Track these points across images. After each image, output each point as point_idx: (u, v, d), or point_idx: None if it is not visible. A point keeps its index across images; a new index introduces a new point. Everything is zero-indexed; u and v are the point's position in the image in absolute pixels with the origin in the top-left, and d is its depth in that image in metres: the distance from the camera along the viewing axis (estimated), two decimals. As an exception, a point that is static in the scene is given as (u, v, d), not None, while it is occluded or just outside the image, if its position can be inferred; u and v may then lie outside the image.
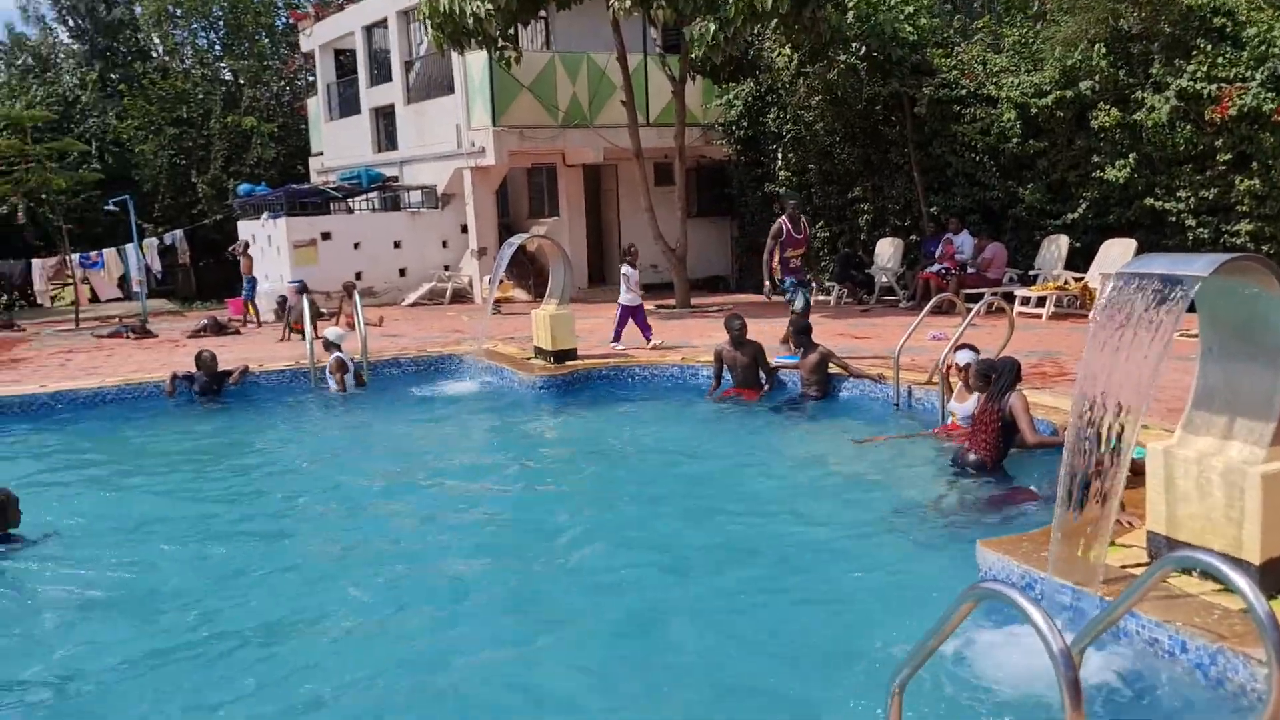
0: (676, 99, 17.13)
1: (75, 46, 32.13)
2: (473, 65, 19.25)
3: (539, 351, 12.19)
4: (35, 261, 23.93)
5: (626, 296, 13.03)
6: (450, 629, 5.45)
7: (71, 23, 32.32)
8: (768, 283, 11.99)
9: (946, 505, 6.89)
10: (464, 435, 10.34)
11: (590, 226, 21.69)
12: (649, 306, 17.78)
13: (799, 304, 11.36)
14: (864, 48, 16.28)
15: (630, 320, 12.99)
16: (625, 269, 13.15)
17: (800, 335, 10.18)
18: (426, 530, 7.13)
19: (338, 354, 11.81)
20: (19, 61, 31.45)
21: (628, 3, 14.65)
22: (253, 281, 19.25)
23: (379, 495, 8.05)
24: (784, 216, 11.53)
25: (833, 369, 10.11)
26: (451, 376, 12.71)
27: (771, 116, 18.88)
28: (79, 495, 8.33)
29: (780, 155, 18.85)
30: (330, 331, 12.14)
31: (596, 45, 19.18)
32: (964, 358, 8.27)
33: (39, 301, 25.49)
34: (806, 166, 18.49)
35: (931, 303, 10.57)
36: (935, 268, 15.29)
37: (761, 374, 10.48)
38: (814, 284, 11.25)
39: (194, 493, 8.41)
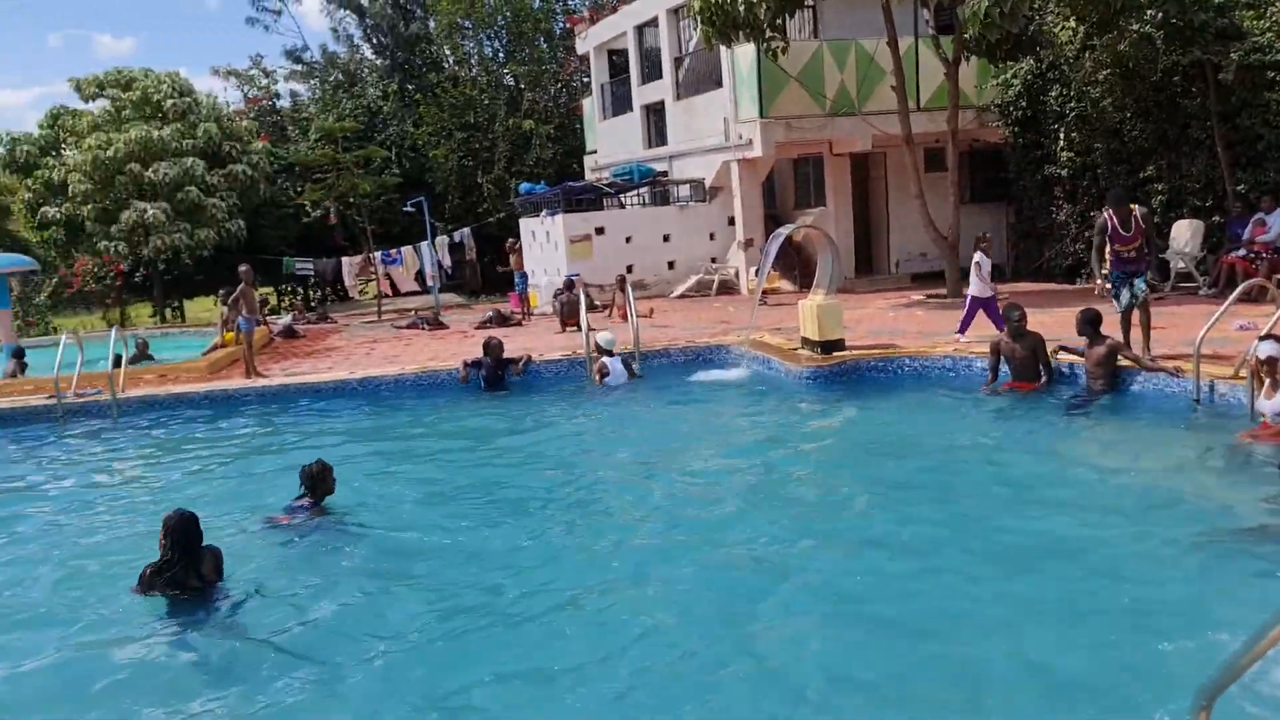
0: (950, 81, 16.54)
1: (378, 61, 35.10)
2: (740, 58, 19.41)
3: (806, 342, 12.16)
4: (344, 259, 26.40)
5: (976, 287, 12.26)
6: (746, 608, 5.57)
7: (375, 40, 35.34)
8: (1098, 280, 10.87)
9: (1263, 511, 6.30)
10: (730, 424, 10.48)
11: (857, 216, 21.35)
12: (918, 296, 17.38)
13: (1123, 301, 10.15)
14: (1160, 14, 15.06)
15: (981, 312, 12.21)
16: (978, 256, 12.28)
17: (1088, 326, 9.59)
18: (692, 516, 7.30)
19: (604, 359, 12.27)
20: (330, 78, 34.74)
21: (899, -15, 14.29)
22: (523, 276, 20.36)
23: (645, 480, 8.33)
24: (1108, 211, 10.46)
25: (1123, 362, 9.47)
26: (719, 366, 12.94)
27: (1053, 95, 17.84)
28: (383, 470, 9.19)
29: (1062, 135, 17.78)
30: (602, 337, 12.49)
31: (864, 31, 18.83)
32: (1267, 350, 7.54)
33: (349, 295, 28.18)
34: (1092, 146, 17.33)
35: (1240, 289, 9.64)
36: (1241, 251, 13.96)
37: (1040, 367, 9.98)
38: (1148, 275, 9.89)
39: (481, 470, 9.04)
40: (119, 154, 24.45)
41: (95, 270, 28.33)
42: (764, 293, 17.05)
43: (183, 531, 5.87)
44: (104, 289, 29.67)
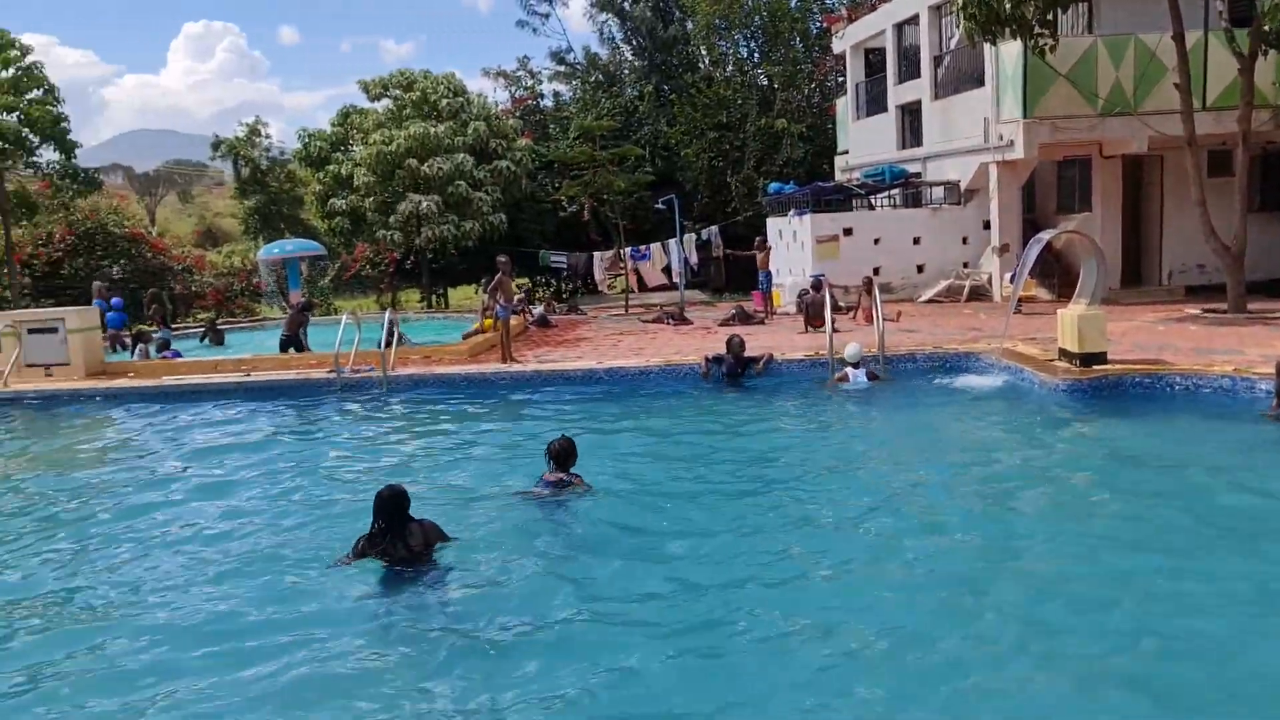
0: (1243, 77, 15.21)
1: (636, 63, 36.09)
2: (1005, 55, 18.63)
3: (1063, 354, 11.57)
4: (596, 254, 27.38)
5: None
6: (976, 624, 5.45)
7: (635, 42, 36.34)
8: None
9: None
10: (976, 434, 10.12)
11: (1127, 223, 20.02)
12: (1193, 310, 16.10)
13: None
14: None
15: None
16: None
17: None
18: (929, 522, 7.14)
19: (847, 369, 12.12)
20: (591, 78, 36.04)
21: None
22: (768, 275, 20.40)
23: (881, 484, 8.19)
24: None
25: None
26: (968, 374, 12.51)
27: (1368, 92, 16.07)
28: (626, 453, 9.51)
29: (1377, 138, 15.99)
30: (848, 350, 12.23)
31: (1145, 25, 17.62)
32: None
33: (598, 289, 29.23)
34: None
35: None
36: None
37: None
38: None
39: (716, 461, 9.18)
40: (399, 150, 26.40)
41: (372, 257, 30.75)
42: (1019, 300, 16.30)
43: (392, 506, 6.30)
44: (378, 274, 32.18)
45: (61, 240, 29.33)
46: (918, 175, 22.65)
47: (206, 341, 20.82)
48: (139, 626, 5.79)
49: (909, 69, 23.76)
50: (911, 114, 23.81)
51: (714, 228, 27.47)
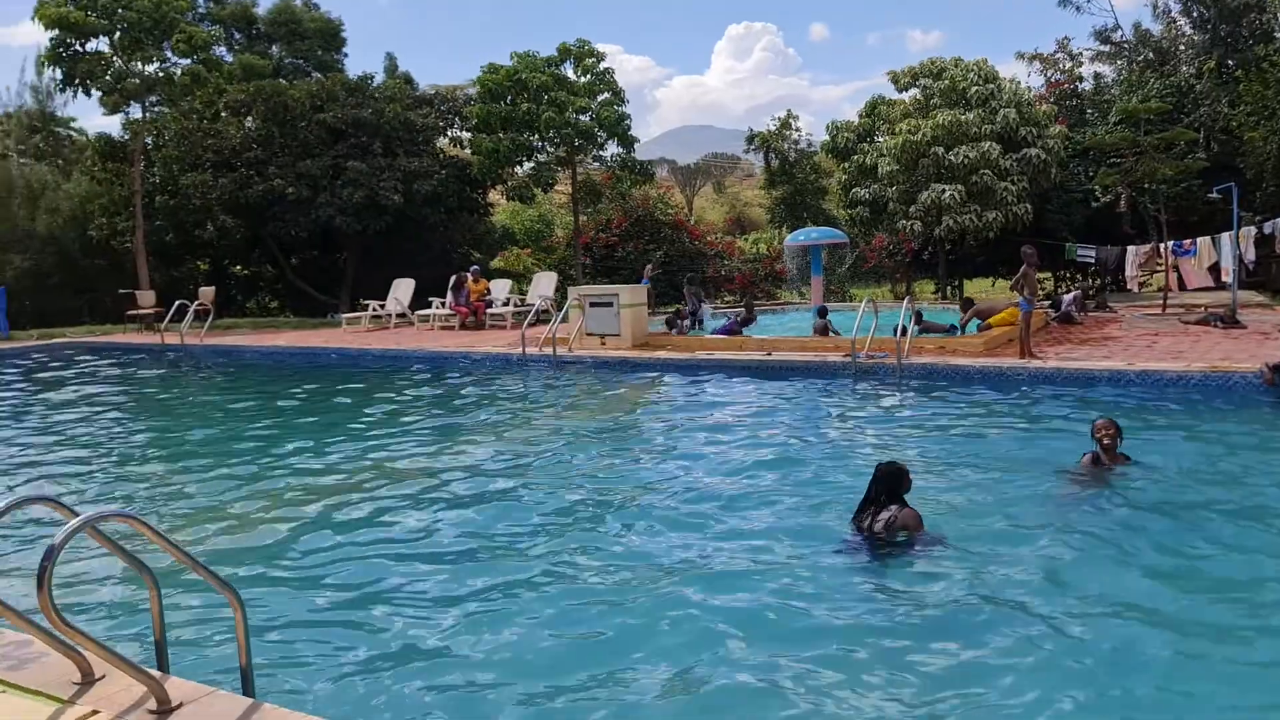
0: None
1: (1195, 36, 32.50)
2: None
3: None
4: (1129, 248, 25.22)
5: None
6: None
7: (1196, 12, 32.72)
8: None
9: None
10: None
11: None
12: None
13: None
14: None
15: None
16: None
17: None
18: None
19: None
20: (1140, 57, 33.11)
21: None
22: None
23: None
24: None
25: None
26: None
27: None
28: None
29: None
30: None
31: None
32: None
33: (1128, 286, 26.91)
34: None
35: None
36: None
37: None
38: None
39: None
40: (925, 139, 26.36)
41: (889, 246, 31.09)
42: None
43: (889, 479, 6.54)
44: (895, 264, 32.46)
45: (618, 226, 33.29)
46: None
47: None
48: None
49: None
50: None
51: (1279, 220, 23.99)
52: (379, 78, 35.82)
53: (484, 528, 7.54)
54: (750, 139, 38.49)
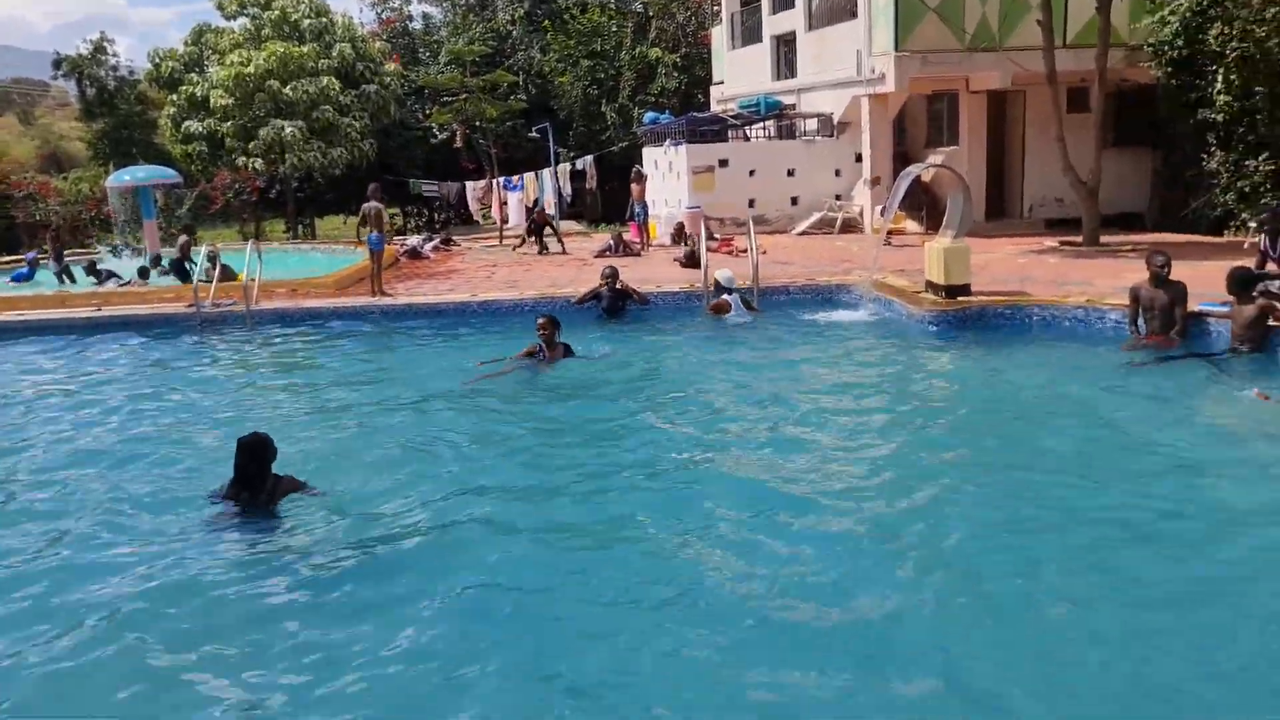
0: (1101, 16, 15.69)
1: (508, -15, 35.12)
2: (878, -12, 18.77)
3: (930, 285, 11.88)
4: (468, 184, 26.79)
5: None
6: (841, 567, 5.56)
7: (507, -37, 35.29)
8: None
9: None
10: (846, 366, 10.28)
11: (991, 157, 20.57)
12: (1051, 242, 16.73)
13: None
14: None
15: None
16: None
17: (1238, 285, 9.11)
18: (796, 463, 7.27)
19: (724, 296, 12.17)
20: (463, 1, 34.91)
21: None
22: (644, 206, 20.29)
23: (753, 416, 8.29)
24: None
25: (1276, 323, 8.97)
26: (839, 306, 12.74)
27: (1213, 33, 16.71)
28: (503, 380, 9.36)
29: (1220, 77, 16.67)
30: (721, 274, 12.34)
31: (1012, -39, 17.97)
32: None
33: (471, 219, 28.62)
34: (1253, 90, 16.24)
35: None
36: None
37: (1177, 319, 9.55)
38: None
39: (590, 398, 9.14)
40: (258, 71, 25.13)
41: (234, 185, 29.37)
42: (889, 233, 16.63)
43: (252, 449, 6.06)
44: (241, 204, 30.77)
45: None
46: (792, 107, 22.76)
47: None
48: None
49: (784, -1, 23.74)
50: (786, 45, 23.84)
51: (589, 157, 27.14)
52: None
53: None
54: (58, 63, 33.66)
